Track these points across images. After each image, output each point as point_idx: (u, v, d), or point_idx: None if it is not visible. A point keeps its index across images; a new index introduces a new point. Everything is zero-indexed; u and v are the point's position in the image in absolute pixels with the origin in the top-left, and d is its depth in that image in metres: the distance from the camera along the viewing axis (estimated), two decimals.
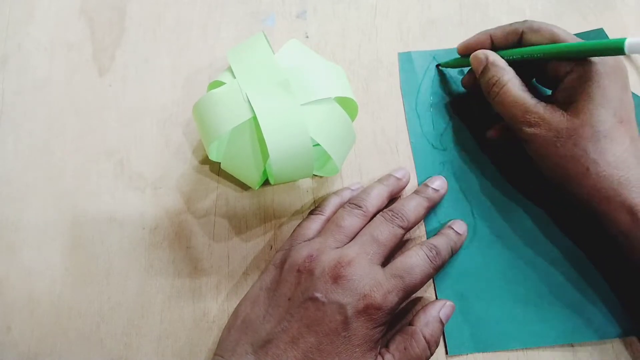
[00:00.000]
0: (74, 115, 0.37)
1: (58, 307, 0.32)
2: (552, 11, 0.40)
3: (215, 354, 0.28)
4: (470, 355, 0.30)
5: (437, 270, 0.29)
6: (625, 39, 0.25)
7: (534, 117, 0.29)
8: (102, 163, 0.35)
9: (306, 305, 0.26)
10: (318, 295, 0.26)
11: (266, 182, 0.34)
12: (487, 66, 0.32)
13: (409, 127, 0.36)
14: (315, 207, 0.33)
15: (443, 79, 0.37)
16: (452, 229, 0.31)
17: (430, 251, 0.29)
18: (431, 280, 0.32)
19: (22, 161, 0.35)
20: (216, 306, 0.32)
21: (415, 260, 0.28)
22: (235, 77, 0.29)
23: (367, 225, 0.30)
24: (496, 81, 0.31)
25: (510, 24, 0.32)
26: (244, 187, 0.34)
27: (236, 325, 0.28)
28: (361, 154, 0.35)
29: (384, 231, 0.29)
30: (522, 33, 0.31)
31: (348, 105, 0.31)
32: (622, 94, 0.29)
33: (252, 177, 0.31)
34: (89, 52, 0.38)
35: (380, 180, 0.33)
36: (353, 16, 0.40)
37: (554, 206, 0.33)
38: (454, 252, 0.31)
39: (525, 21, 0.32)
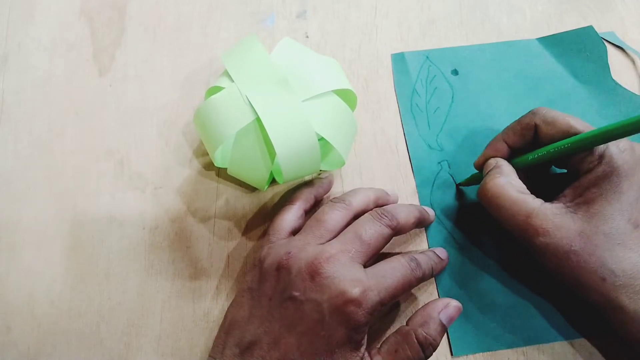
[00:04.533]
0: (74, 115, 0.37)
1: (58, 307, 0.32)
2: (552, 11, 0.40)
3: (209, 355, 0.28)
4: (470, 355, 0.30)
5: (419, 282, 0.28)
6: None
7: (542, 223, 0.27)
8: (102, 163, 0.35)
9: (286, 305, 0.26)
10: (296, 294, 0.25)
11: (272, 183, 0.34)
12: (491, 169, 0.29)
13: (404, 129, 0.36)
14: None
15: (437, 79, 0.37)
16: (434, 252, 0.31)
17: (412, 261, 0.28)
18: (433, 281, 0.32)
19: (22, 161, 0.35)
20: (216, 306, 0.32)
21: (397, 264, 0.27)
22: (232, 81, 0.29)
23: (352, 223, 0.29)
24: (489, 181, 0.29)
25: (520, 120, 0.30)
26: (244, 187, 0.34)
27: (225, 327, 0.28)
28: (361, 154, 0.35)
29: (369, 229, 0.27)
30: (536, 126, 0.29)
31: (347, 97, 0.31)
32: (639, 193, 0.27)
33: (261, 179, 0.31)
34: (89, 52, 0.38)
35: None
36: (353, 16, 0.40)
37: None
38: (435, 273, 0.30)
39: (535, 112, 0.29)
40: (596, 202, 0.27)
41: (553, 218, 0.27)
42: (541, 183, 0.30)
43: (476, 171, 0.33)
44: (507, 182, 0.29)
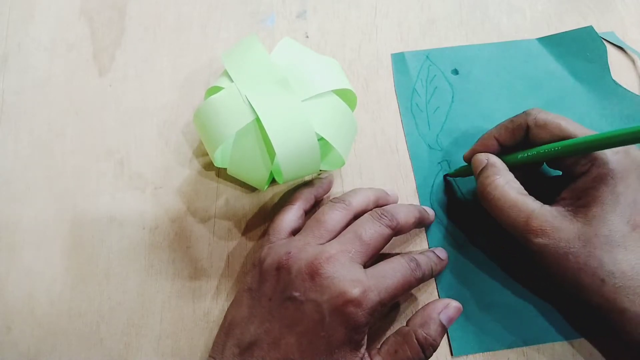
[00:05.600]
0: (74, 115, 0.37)
1: (58, 307, 0.32)
2: (552, 11, 0.40)
3: (209, 355, 0.28)
4: (470, 355, 0.30)
5: (419, 282, 0.28)
6: None
7: (541, 224, 0.27)
8: (102, 163, 0.35)
9: (286, 305, 0.26)
10: (296, 294, 0.25)
11: (272, 183, 0.34)
12: (485, 167, 0.30)
13: (405, 128, 0.36)
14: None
15: (437, 79, 0.37)
16: (434, 252, 0.30)
17: (412, 262, 0.28)
18: (433, 281, 0.32)
19: (22, 161, 0.35)
20: (216, 306, 0.32)
21: (397, 264, 0.27)
22: (232, 81, 0.29)
23: (352, 224, 0.29)
24: (490, 183, 0.29)
25: (513, 119, 0.30)
26: (244, 187, 0.34)
27: (224, 327, 0.28)
28: (361, 154, 0.35)
29: (369, 229, 0.28)
30: (528, 128, 0.29)
31: (347, 97, 0.31)
32: (637, 195, 0.27)
33: (261, 179, 0.31)
34: (89, 52, 0.38)
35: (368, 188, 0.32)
36: (353, 16, 0.40)
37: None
38: (434, 274, 0.30)
39: (528, 113, 0.29)
40: (594, 205, 0.26)
41: (552, 220, 0.27)
42: (536, 184, 0.30)
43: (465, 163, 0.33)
44: (506, 183, 0.29)
